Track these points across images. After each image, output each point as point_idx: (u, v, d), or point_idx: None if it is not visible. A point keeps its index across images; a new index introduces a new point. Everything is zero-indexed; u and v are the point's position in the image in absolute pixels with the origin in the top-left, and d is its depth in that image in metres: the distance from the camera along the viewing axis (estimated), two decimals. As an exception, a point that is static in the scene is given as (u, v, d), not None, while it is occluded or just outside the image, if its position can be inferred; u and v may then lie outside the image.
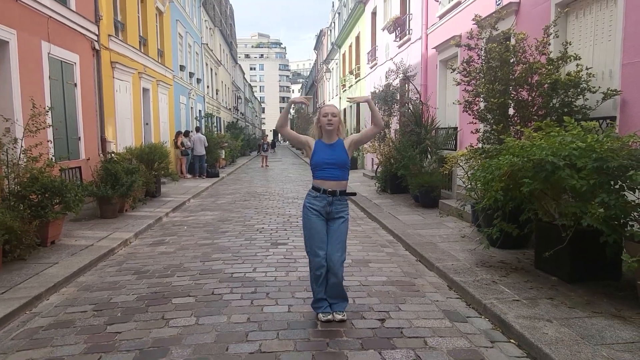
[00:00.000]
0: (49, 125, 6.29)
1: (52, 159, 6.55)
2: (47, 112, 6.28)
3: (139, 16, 14.80)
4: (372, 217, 8.63)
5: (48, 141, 6.49)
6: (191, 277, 5.06)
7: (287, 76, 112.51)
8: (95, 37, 10.85)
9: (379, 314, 3.95)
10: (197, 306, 4.17)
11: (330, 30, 34.69)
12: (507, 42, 6.00)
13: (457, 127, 9.62)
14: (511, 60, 5.81)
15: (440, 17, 10.58)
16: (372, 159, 18.47)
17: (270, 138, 43.00)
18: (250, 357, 3.19)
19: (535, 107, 5.86)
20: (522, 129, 4.57)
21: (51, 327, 3.80)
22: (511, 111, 6.18)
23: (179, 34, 20.00)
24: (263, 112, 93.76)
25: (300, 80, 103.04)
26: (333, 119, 3.87)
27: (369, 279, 4.94)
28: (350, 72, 23.47)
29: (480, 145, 6.38)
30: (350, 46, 23.81)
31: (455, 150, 9.59)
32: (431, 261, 5.34)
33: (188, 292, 4.55)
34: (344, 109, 26.37)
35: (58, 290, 4.70)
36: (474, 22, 6.42)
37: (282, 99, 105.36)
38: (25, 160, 6.07)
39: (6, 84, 7.48)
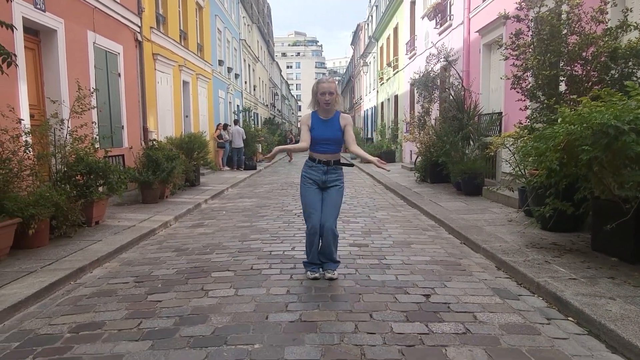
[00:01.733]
0: (94, 107, 6.42)
1: (96, 138, 6.67)
2: (92, 93, 6.41)
3: (179, 10, 15.08)
4: (412, 204, 8.39)
5: (93, 123, 6.61)
6: (230, 254, 5.03)
7: (324, 74, 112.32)
8: (137, 29, 11.09)
9: (423, 289, 3.77)
10: (236, 279, 4.12)
11: (368, 24, 34.37)
12: (560, 9, 5.63)
13: (501, 112, 9.23)
14: (563, 32, 5.45)
15: (484, -2, 10.17)
16: (411, 150, 18.11)
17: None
18: (291, 325, 3.09)
19: (590, 83, 5.48)
20: (578, 99, 4.25)
21: (94, 295, 3.84)
22: (562, 87, 5.82)
23: (218, 29, 20.27)
24: (299, 109, 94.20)
25: (337, 77, 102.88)
26: (330, 97, 3.99)
27: (412, 259, 4.75)
28: (388, 64, 23.12)
29: (525, 124, 6.04)
30: (388, 38, 23.46)
31: (500, 136, 9.18)
32: (477, 243, 5.09)
33: (227, 267, 4.51)
34: (381, 103, 26.05)
35: (101, 265, 4.78)
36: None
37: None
38: (71, 140, 6.22)
39: (55, 71, 7.73)
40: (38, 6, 7.21)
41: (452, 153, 9.17)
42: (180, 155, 10.05)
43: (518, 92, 6.09)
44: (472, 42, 11.10)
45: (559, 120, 3.95)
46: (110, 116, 9.75)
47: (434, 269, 4.37)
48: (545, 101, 5.50)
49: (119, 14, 10.05)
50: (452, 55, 10.92)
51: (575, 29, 5.32)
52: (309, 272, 4.11)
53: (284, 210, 7.98)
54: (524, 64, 5.68)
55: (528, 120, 6.09)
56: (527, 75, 5.87)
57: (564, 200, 4.67)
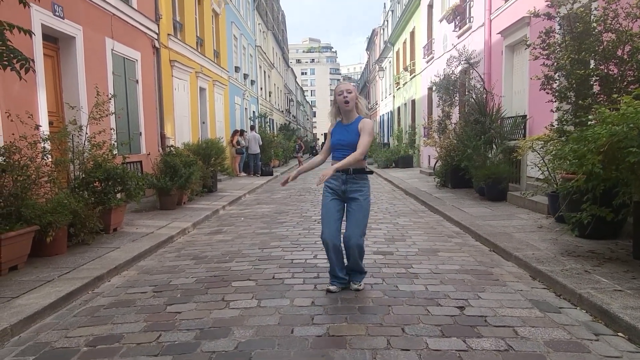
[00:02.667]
0: (112, 113, 6.35)
1: (114, 144, 6.60)
2: (110, 99, 6.35)
3: (196, 17, 15.12)
4: (435, 210, 8.15)
5: (111, 129, 6.55)
6: (250, 263, 4.87)
7: (338, 79, 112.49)
8: (155, 36, 11.10)
9: (456, 301, 3.55)
10: (258, 289, 3.95)
11: (383, 29, 34.21)
12: (591, 5, 5.38)
13: (525, 115, 8.95)
14: (597, 29, 5.20)
15: (506, -1, 9.93)
16: (429, 155, 17.82)
17: (320, 141, 42.46)
18: (319, 340, 2.91)
19: (625, 82, 5.22)
20: (618, 98, 4.00)
21: (112, 305, 3.71)
22: (595, 88, 5.55)
23: (234, 35, 20.31)
24: (314, 115, 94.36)
25: (352, 82, 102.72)
26: (349, 95, 3.74)
27: (440, 267, 4.53)
28: (405, 69, 22.89)
29: (557, 127, 5.78)
30: (405, 42, 23.25)
31: (524, 139, 8.90)
32: (508, 250, 4.84)
33: (248, 276, 4.35)
34: (398, 108, 25.79)
35: (119, 273, 4.66)
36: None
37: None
38: (89, 147, 6.16)
39: (73, 77, 7.72)
40: (57, 13, 7.21)
41: (475, 157, 8.91)
42: (197, 162, 9.98)
43: (548, 93, 5.85)
44: (493, 44, 10.84)
45: (597, 122, 3.70)
46: (128, 123, 9.73)
47: (465, 279, 4.14)
48: (580, 102, 5.24)
49: (136, 20, 10.06)
50: (474, 58, 10.67)
51: (611, 26, 5.07)
52: (329, 285, 3.90)
53: (303, 217, 7.81)
54: (555, 64, 5.43)
55: (558, 122, 5.84)
56: (557, 75, 5.62)
57: (600, 206, 4.41)
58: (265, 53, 29.48)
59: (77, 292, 3.97)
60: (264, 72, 29.70)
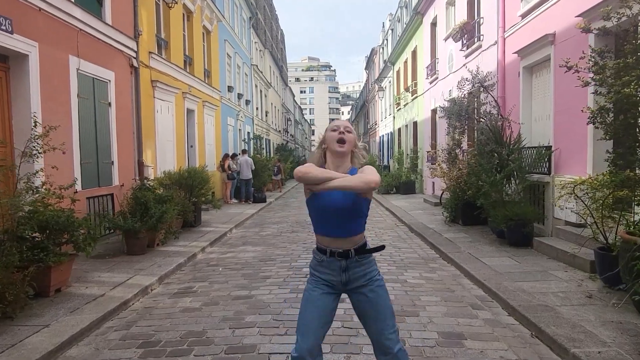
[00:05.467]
0: (53, 148, 5.16)
1: (62, 187, 5.37)
2: (48, 132, 5.16)
3: (184, 34, 14.11)
4: (448, 259, 6.93)
5: (53, 167, 5.35)
6: (213, 357, 3.62)
7: (337, 98, 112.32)
8: (133, 54, 10.01)
9: None
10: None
11: (383, 48, 33.43)
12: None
13: (550, 147, 7.79)
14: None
15: (523, 15, 8.88)
16: (433, 182, 16.63)
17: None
18: None
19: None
20: None
21: None
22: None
23: (227, 54, 19.33)
24: (313, 134, 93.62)
25: (350, 102, 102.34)
26: (347, 134, 2.51)
27: (472, 373, 3.30)
28: (406, 89, 21.89)
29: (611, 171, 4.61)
30: (406, 62, 22.30)
31: (549, 174, 7.74)
32: (560, 342, 3.61)
33: (205, 388, 3.11)
34: (399, 129, 24.70)
35: (34, 372, 3.41)
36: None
37: (332, 121, 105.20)
38: (24, 189, 4.96)
39: (26, 101, 6.59)
40: (3, 27, 6.11)
41: (493, 194, 7.73)
42: (175, 195, 8.77)
43: (597, 128, 4.68)
44: (508, 64, 9.76)
45: None
46: (97, 151, 8.56)
47: (512, 400, 2.90)
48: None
49: (110, 37, 8.98)
50: (489, 79, 9.56)
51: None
52: None
53: (293, 268, 6.57)
54: (612, 92, 4.26)
55: (609, 163, 4.67)
56: (611, 105, 4.45)
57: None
58: (261, 72, 28.55)
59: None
60: (260, 91, 28.72)
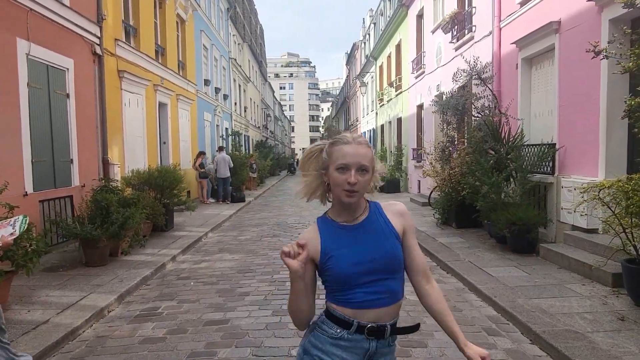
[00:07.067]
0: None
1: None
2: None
3: (155, 22, 13.10)
4: (448, 269, 6.26)
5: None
6: (175, 414, 2.84)
7: (317, 95, 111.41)
8: (96, 40, 9.03)
9: None
10: None
11: (364, 42, 32.74)
12: None
13: (554, 144, 7.19)
14: None
15: (523, 2, 8.25)
16: (419, 180, 16.04)
17: (299, 156, 40.35)
18: None
19: None
20: None
21: None
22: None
23: (204, 45, 18.32)
24: (292, 130, 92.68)
25: (330, 99, 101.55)
26: (359, 177, 1.57)
27: None
28: (390, 85, 21.24)
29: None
30: (389, 56, 21.62)
31: (553, 174, 7.14)
32: (606, 384, 2.94)
33: None
34: (381, 126, 24.06)
35: None
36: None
37: (312, 118, 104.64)
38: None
39: (-42, 91, 5.63)
40: None
41: (493, 196, 7.09)
42: (142, 198, 7.87)
43: (634, 123, 4.03)
44: (504, 56, 9.14)
45: None
46: (52, 148, 7.59)
47: None
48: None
49: (68, 20, 7.99)
50: (486, 71, 8.92)
51: None
52: None
53: (274, 282, 5.78)
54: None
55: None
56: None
57: None
58: (240, 66, 27.54)
59: None
60: (239, 86, 27.71)
